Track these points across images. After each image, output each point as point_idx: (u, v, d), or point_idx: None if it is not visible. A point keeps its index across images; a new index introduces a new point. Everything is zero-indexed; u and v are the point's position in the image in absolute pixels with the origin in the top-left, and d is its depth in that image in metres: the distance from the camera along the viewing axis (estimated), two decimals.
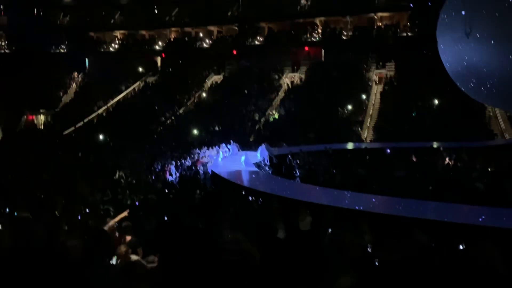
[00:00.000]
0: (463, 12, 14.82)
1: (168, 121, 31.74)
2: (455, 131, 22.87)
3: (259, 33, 38.47)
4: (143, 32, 42.77)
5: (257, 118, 29.68)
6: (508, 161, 16.99)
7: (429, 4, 28.82)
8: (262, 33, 38.66)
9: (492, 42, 14.33)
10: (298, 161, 16.52)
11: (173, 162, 18.83)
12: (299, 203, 10.10)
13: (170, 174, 17.89)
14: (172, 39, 41.58)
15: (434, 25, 16.24)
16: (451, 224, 8.59)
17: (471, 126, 24.40)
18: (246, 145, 22.02)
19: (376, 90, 31.76)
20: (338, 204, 9.89)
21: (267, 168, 16.06)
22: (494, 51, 14.29)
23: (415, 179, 14.36)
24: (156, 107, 32.00)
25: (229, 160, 18.24)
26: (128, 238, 5.60)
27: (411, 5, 33.11)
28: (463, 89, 16.54)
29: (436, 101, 27.50)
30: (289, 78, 35.40)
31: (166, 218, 7.77)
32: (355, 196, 10.88)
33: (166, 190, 13.43)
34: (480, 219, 8.56)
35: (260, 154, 17.15)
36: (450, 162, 17.03)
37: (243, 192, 11.66)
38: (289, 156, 17.10)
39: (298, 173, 15.15)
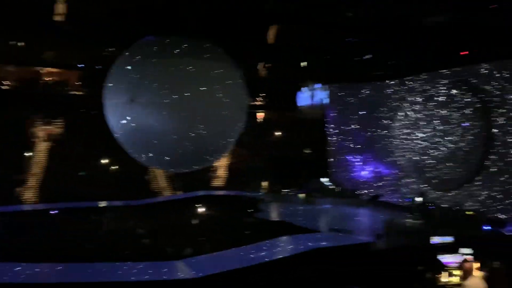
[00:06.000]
0: (128, 77, 16.02)
1: None
2: (119, 190, 23.95)
3: None
4: None
5: None
6: (169, 217, 18.96)
7: (100, 67, 29.90)
8: None
9: (156, 108, 16.03)
10: None
11: None
12: None
13: None
14: None
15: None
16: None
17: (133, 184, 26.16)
18: None
19: (43, 147, 29.83)
20: None
21: None
22: (157, 118, 15.96)
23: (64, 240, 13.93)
24: None
25: None
26: None
27: (83, 64, 33.51)
28: (128, 151, 17.52)
29: (107, 161, 28.19)
30: None
31: None
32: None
33: None
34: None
35: None
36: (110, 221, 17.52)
37: None
38: None
39: None
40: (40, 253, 12.16)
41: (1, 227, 16.04)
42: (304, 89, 30.98)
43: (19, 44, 32.50)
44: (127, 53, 16.83)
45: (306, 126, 30.74)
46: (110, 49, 32.48)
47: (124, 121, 15.84)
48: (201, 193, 23.41)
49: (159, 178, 28.54)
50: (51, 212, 17.90)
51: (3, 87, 31.90)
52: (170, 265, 10.52)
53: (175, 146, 16.51)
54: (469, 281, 10.09)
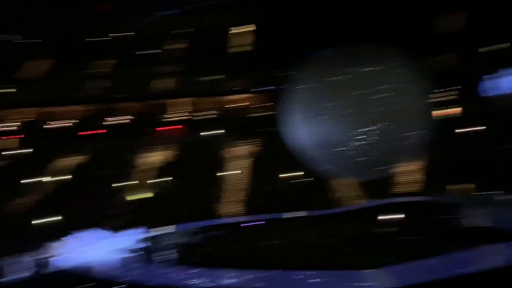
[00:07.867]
0: (310, 93, 16.85)
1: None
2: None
3: (125, 112, 37.88)
4: None
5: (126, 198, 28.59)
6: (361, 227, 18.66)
7: (277, 87, 31.95)
8: (128, 112, 38.15)
9: (341, 118, 16.44)
10: (172, 242, 16.22)
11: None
12: None
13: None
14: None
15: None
16: None
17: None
18: (115, 229, 20.74)
19: (240, 165, 33.25)
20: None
21: (137, 253, 15.35)
22: (343, 128, 16.34)
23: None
24: None
25: (91, 249, 16.91)
26: None
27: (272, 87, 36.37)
28: (316, 163, 18.19)
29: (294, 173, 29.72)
30: (154, 157, 35.09)
31: None
32: (230, 274, 11.00)
33: None
34: None
35: (124, 239, 16.41)
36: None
37: None
38: (163, 238, 16.73)
39: (172, 255, 14.82)
40: (244, 261, 13.41)
41: (205, 238, 18.05)
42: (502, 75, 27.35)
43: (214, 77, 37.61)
44: (305, 71, 17.74)
45: (504, 118, 27.15)
46: (285, 71, 34.56)
47: (311, 134, 16.60)
48: (389, 200, 22.78)
49: (345, 187, 28.58)
50: (242, 225, 19.78)
51: (200, 116, 37.00)
52: (368, 274, 10.61)
53: (361, 154, 16.61)
54: None
